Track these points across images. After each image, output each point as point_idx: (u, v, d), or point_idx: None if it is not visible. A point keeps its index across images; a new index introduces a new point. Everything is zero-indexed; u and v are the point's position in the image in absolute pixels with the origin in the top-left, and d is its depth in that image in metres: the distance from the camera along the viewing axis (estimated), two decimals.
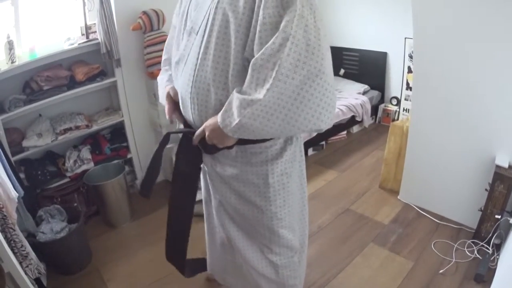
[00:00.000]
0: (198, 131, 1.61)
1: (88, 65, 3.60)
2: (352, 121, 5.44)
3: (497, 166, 2.95)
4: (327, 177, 4.36)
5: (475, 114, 3.07)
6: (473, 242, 3.13)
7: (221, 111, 1.48)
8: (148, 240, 3.40)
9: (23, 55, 3.34)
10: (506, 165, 2.92)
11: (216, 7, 1.50)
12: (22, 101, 3.24)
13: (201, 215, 2.40)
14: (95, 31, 3.58)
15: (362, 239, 3.30)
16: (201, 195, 2.24)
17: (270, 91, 1.36)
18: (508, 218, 2.86)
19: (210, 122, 1.55)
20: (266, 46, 1.36)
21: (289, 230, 1.92)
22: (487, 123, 3.03)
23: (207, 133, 1.56)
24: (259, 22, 1.38)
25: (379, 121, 6.04)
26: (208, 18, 1.53)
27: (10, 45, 3.13)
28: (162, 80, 2.02)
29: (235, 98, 1.42)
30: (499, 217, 2.91)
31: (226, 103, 1.47)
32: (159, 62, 3.58)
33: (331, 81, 1.42)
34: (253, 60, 1.39)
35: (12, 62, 3.17)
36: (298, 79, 1.36)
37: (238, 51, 1.46)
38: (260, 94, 1.37)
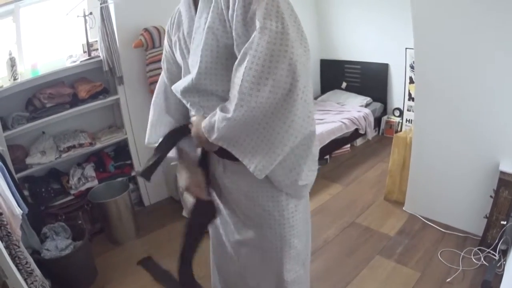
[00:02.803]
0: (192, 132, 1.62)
1: (91, 83, 3.62)
2: (355, 134, 5.43)
3: (502, 172, 2.93)
4: (332, 191, 4.34)
5: (478, 121, 3.08)
6: (479, 249, 3.11)
7: (205, 122, 1.49)
8: (154, 256, 3.37)
9: (25, 72, 3.37)
10: (510, 171, 2.91)
11: (208, 27, 1.47)
12: (25, 118, 3.26)
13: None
14: (97, 49, 3.61)
15: (368, 251, 3.28)
16: None
17: (238, 108, 1.34)
18: None
19: (195, 129, 1.58)
20: (235, 63, 1.37)
21: (299, 240, 1.86)
22: (490, 129, 3.04)
23: (194, 140, 1.60)
24: (234, 36, 1.38)
25: (383, 133, 6.03)
26: (201, 53, 1.50)
27: (12, 62, 3.16)
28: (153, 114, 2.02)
29: (217, 113, 1.43)
30: (505, 223, 2.90)
31: (209, 116, 1.49)
32: None
33: (304, 88, 1.34)
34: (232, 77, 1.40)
35: (15, 79, 3.19)
36: (266, 91, 1.30)
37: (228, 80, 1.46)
38: (230, 112, 1.37)
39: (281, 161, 1.45)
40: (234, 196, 1.79)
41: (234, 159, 1.51)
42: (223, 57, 1.47)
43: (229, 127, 1.38)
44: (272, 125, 1.36)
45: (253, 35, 1.30)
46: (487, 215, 3.06)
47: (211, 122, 1.45)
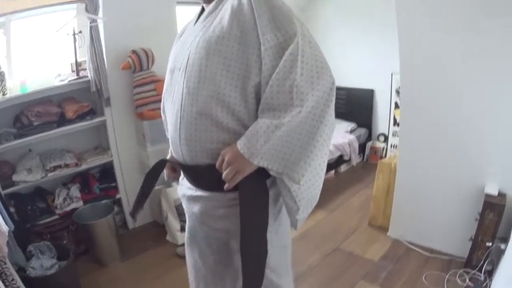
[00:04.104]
0: (218, 162, 1.51)
1: (78, 103, 3.62)
2: (339, 160, 5.48)
3: (487, 195, 3.00)
4: (316, 217, 4.34)
5: (463, 145, 3.15)
6: (464, 271, 3.14)
7: (242, 139, 1.46)
8: (137, 279, 3.35)
9: (14, 88, 3.37)
10: (495, 193, 2.99)
11: (198, 42, 1.51)
12: (12, 135, 3.26)
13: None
14: (85, 68, 3.62)
15: (352, 277, 3.28)
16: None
17: (296, 113, 1.38)
18: (500, 244, 2.89)
19: (227, 149, 1.49)
20: (277, 70, 1.39)
21: (275, 274, 1.75)
22: (475, 153, 3.12)
23: (226, 158, 1.47)
24: (262, 49, 1.40)
25: (367, 159, 6.09)
26: (190, 52, 1.53)
27: (1, 76, 3.16)
28: None
29: (261, 123, 1.43)
30: (490, 244, 2.94)
31: (248, 130, 1.46)
32: (149, 103, 3.64)
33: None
34: (267, 87, 1.41)
35: (3, 94, 3.19)
36: (316, 95, 1.40)
37: (228, 82, 1.46)
38: (284, 119, 1.39)
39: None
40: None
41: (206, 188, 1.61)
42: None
43: (283, 132, 1.41)
44: (318, 125, 1.44)
45: (295, 41, 1.38)
46: (472, 237, 3.10)
47: (251, 140, 1.44)
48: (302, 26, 1.44)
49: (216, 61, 1.46)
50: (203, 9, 1.67)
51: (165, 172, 1.91)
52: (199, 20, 1.62)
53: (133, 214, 1.95)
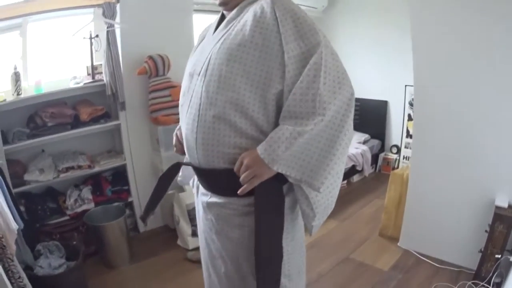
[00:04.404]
0: (236, 166, 1.51)
1: (93, 106, 3.65)
2: (352, 170, 5.47)
3: (497, 207, 2.99)
4: (328, 226, 4.32)
5: (475, 158, 3.15)
6: (473, 283, 3.12)
7: (263, 144, 1.46)
8: (147, 283, 3.35)
9: (28, 88, 3.41)
10: (506, 205, 2.98)
11: (219, 48, 1.52)
12: (25, 135, 3.29)
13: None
14: (101, 72, 3.66)
15: (362, 286, 3.26)
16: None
17: (318, 121, 1.41)
18: (509, 257, 2.87)
19: (246, 153, 1.49)
20: (301, 79, 1.41)
21: (288, 279, 1.75)
22: (486, 166, 3.10)
23: (245, 162, 1.47)
24: (285, 57, 1.42)
25: (379, 169, 6.08)
26: (210, 58, 1.54)
27: (17, 77, 3.19)
28: None
29: (283, 129, 1.43)
30: (500, 256, 2.92)
31: (269, 136, 1.46)
32: (163, 108, 3.67)
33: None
34: (290, 95, 1.43)
35: (18, 94, 3.22)
36: (337, 104, 1.43)
37: (247, 89, 1.47)
38: (307, 126, 1.41)
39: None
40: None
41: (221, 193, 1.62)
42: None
43: (305, 139, 1.43)
44: (338, 135, 1.47)
45: (318, 51, 1.42)
46: (482, 250, 3.08)
47: (272, 145, 1.44)
48: (324, 37, 1.46)
49: (236, 68, 1.47)
50: (222, 16, 1.69)
51: (174, 141, 1.90)
52: (219, 27, 1.63)
53: (144, 218, 1.94)
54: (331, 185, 1.53)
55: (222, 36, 1.55)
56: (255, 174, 1.46)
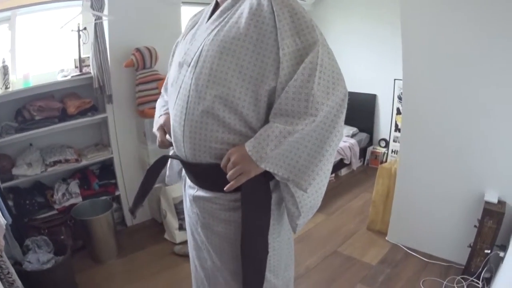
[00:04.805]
0: (223, 162, 1.49)
1: (80, 99, 3.62)
2: (340, 164, 5.48)
3: (486, 202, 3.01)
4: (315, 219, 4.33)
5: (464, 152, 3.16)
6: (462, 278, 3.14)
7: (252, 141, 1.44)
8: (134, 277, 3.34)
9: (17, 82, 3.36)
10: (495, 201, 3.00)
11: (212, 40, 1.48)
12: (13, 129, 3.26)
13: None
14: (89, 65, 3.62)
15: (350, 280, 3.27)
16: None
17: (309, 122, 1.38)
18: (498, 252, 2.89)
19: (234, 149, 1.47)
20: (295, 77, 1.38)
21: (274, 274, 1.74)
22: (475, 161, 3.12)
23: (233, 158, 1.45)
24: (280, 53, 1.39)
25: (367, 163, 6.10)
26: (202, 49, 1.51)
27: (5, 70, 3.16)
28: (158, 104, 2.01)
29: (273, 127, 1.41)
30: (489, 251, 2.95)
31: (259, 133, 1.44)
32: (150, 101, 3.63)
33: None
34: (283, 93, 1.40)
35: (6, 88, 3.19)
36: (330, 105, 1.40)
37: (238, 84, 1.44)
38: (298, 126, 1.38)
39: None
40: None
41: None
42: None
43: (295, 138, 1.40)
44: (328, 135, 1.46)
45: (315, 50, 1.39)
46: (471, 244, 3.10)
47: (261, 143, 1.42)
48: (321, 34, 1.43)
49: (229, 61, 1.44)
50: (217, 4, 1.64)
51: (158, 136, 1.86)
52: (212, 16, 1.59)
53: (133, 210, 1.92)
54: (318, 185, 1.52)
55: (216, 27, 1.51)
56: (243, 171, 1.45)
